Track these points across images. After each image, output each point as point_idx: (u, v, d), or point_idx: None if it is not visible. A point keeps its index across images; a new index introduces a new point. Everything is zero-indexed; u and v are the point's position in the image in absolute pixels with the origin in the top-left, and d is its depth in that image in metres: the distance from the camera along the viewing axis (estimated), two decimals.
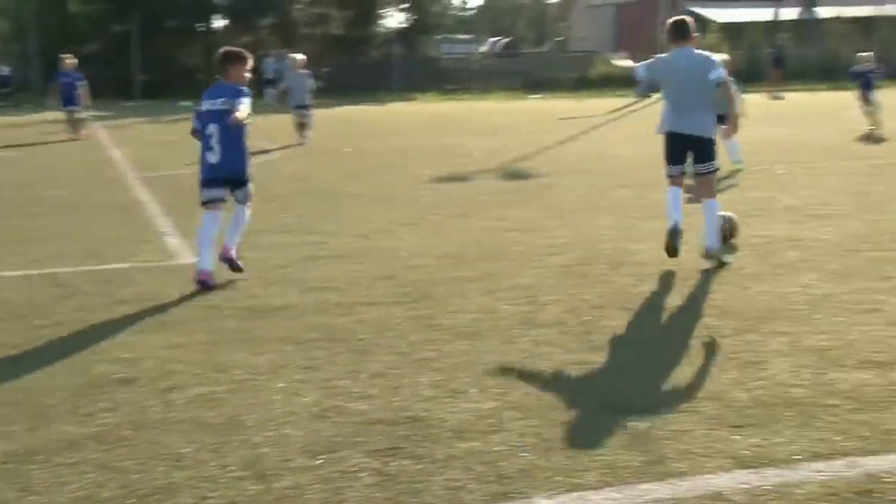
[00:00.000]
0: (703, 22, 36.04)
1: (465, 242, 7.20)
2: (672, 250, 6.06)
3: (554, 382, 4.08)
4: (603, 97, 31.51)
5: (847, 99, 25.88)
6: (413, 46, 36.62)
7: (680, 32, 6.27)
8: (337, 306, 5.42)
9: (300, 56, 17.30)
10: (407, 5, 37.48)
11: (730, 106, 6.35)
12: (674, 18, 6.43)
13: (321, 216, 8.57)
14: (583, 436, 3.48)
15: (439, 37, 40.94)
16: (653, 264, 6.28)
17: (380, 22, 38.84)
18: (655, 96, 29.75)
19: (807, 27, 35.45)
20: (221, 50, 6.29)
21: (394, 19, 37.28)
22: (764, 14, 37.69)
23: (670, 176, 6.31)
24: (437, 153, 13.99)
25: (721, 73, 6.10)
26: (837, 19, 35.54)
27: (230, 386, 4.09)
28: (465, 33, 49.25)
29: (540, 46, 56.55)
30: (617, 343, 4.65)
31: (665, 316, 5.11)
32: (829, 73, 34.11)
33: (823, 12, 37.03)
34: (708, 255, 6.19)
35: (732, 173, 10.55)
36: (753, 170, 11.13)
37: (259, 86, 30.28)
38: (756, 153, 12.84)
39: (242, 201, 6.15)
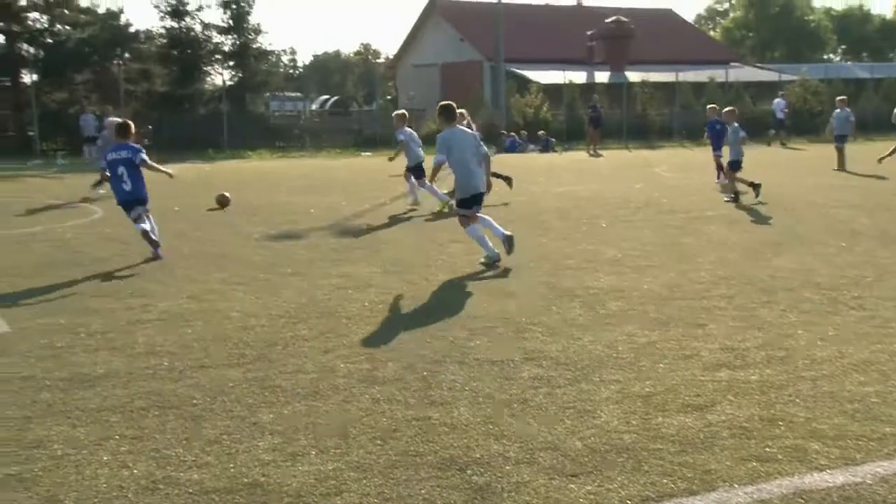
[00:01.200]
0: (524, 82, 37.95)
1: (301, 301, 7.11)
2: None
3: (394, 440, 4.07)
4: (433, 153, 32.29)
5: (658, 156, 28.08)
6: (242, 104, 36.13)
7: (452, 115, 8.98)
8: (168, 371, 5.19)
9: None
10: (233, 62, 37.03)
11: (487, 168, 9.13)
12: (444, 104, 9.08)
13: (147, 277, 8.21)
14: (425, 493, 3.49)
15: (268, 94, 40.60)
16: (485, 317, 6.45)
17: (206, 79, 38.10)
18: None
19: (617, 90, 38.10)
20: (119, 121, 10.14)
21: (221, 77, 36.62)
22: (579, 76, 40.15)
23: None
24: (271, 211, 13.79)
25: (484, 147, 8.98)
26: (644, 83, 38.50)
27: (47, 463, 3.80)
28: (294, 91, 49.10)
29: (370, 105, 57.38)
30: (455, 398, 4.71)
31: (501, 369, 5.24)
32: (639, 132, 36.86)
33: (632, 76, 40.01)
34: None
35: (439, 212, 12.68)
36: (582, 223, 11.73)
37: (80, 144, 28.87)
38: (581, 207, 13.55)
39: (144, 213, 9.47)
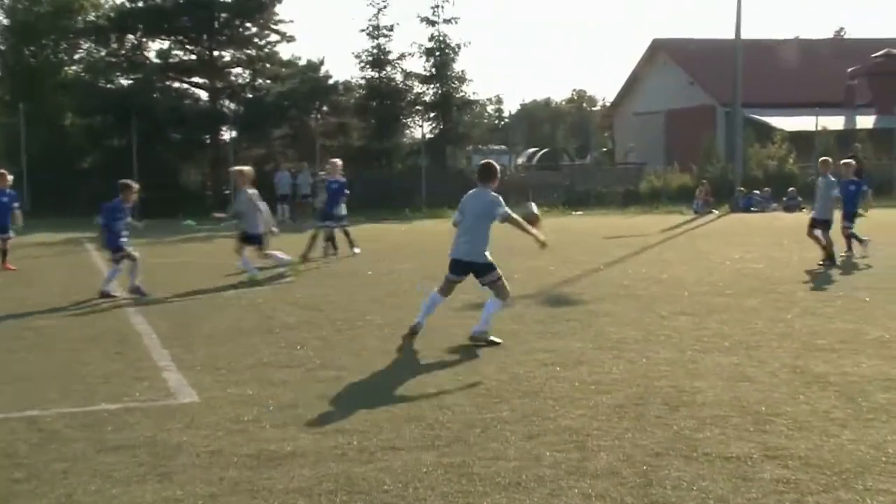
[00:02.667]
0: (765, 129, 36.68)
1: (502, 378, 7.17)
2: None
3: None
4: (654, 214, 31.89)
5: None
6: (442, 158, 37.50)
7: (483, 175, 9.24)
8: (357, 452, 5.38)
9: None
10: (434, 114, 38.55)
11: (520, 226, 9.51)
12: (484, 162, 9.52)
13: (337, 348, 8.61)
14: None
15: (470, 147, 41.87)
16: (718, 405, 6.22)
17: (405, 132, 39.94)
18: (716, 212, 30.00)
19: (886, 136, 35.86)
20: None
21: (420, 130, 38.28)
22: (835, 122, 38.24)
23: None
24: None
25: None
26: None
27: None
28: (498, 143, 50.43)
29: (582, 158, 57.66)
30: (681, 498, 4.54)
31: (736, 467, 4.99)
32: None
33: None
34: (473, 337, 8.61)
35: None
36: (837, 296, 11.09)
37: (273, 202, 31.12)
38: (836, 277, 12.81)
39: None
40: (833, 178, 14.26)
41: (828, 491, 4.60)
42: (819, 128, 35.63)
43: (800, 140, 35.70)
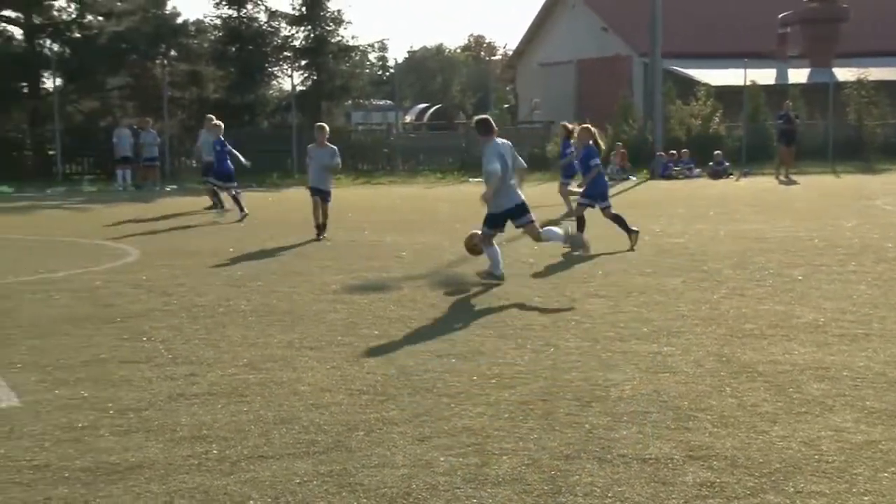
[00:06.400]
0: (689, 84, 37.64)
1: (389, 372, 7.21)
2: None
3: None
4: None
5: (878, 183, 27.32)
6: (316, 115, 37.22)
7: (491, 128, 11.31)
8: (217, 461, 5.34)
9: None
10: (305, 62, 38.14)
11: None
12: (482, 118, 11.73)
13: (193, 339, 8.50)
14: None
15: (349, 102, 41.69)
16: (635, 400, 6.39)
17: (272, 83, 39.45)
18: (634, 178, 30.69)
19: (820, 93, 37.18)
20: None
21: (290, 81, 37.82)
22: (766, 76, 39.49)
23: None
24: (351, 254, 14.09)
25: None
26: (860, 84, 37.24)
27: None
28: (382, 98, 50.35)
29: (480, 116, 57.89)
30: None
31: (655, 470, 5.16)
32: (852, 151, 35.68)
33: (842, 74, 38.82)
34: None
35: None
36: (768, 274, 11.50)
37: (111, 165, 30.31)
38: (767, 253, 13.29)
39: None
40: None
41: (755, 494, 4.79)
42: (748, 82, 36.77)
43: (727, 96, 36.77)
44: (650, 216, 18.74)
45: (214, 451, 5.51)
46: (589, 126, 15.17)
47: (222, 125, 20.94)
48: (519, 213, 11.46)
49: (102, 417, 6.18)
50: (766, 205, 21.36)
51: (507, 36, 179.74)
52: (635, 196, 25.67)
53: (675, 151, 33.21)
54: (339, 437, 5.74)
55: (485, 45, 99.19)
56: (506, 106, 53.56)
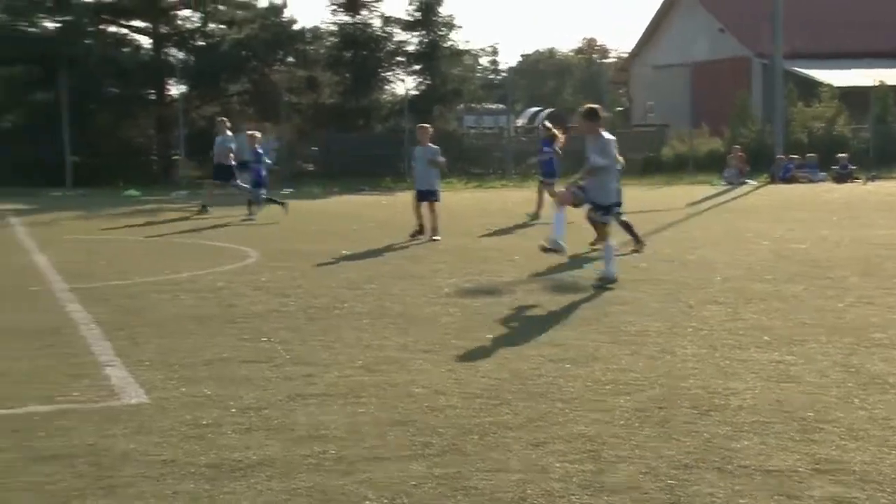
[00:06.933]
0: (811, 85, 36.71)
1: (503, 376, 7.21)
2: None
3: None
4: (679, 185, 31.98)
5: None
6: (427, 119, 37.48)
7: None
8: (335, 461, 5.41)
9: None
10: (419, 67, 38.43)
11: None
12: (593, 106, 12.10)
13: (310, 341, 8.64)
14: None
15: (461, 106, 41.79)
16: (756, 409, 6.27)
17: (385, 88, 39.82)
18: (752, 183, 30.07)
19: None
20: None
21: (402, 85, 38.22)
22: (892, 76, 38.29)
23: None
24: (464, 257, 14.13)
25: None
26: None
27: None
28: (494, 101, 50.35)
29: None
30: None
31: (780, 483, 5.04)
32: None
33: None
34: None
35: None
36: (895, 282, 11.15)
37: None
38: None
39: None
40: None
41: None
42: (875, 82, 35.58)
43: (853, 97, 35.69)
44: (770, 221, 18.37)
45: (332, 451, 5.58)
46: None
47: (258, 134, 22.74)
48: (612, 209, 12.01)
49: (225, 415, 6.32)
50: None
51: (621, 38, 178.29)
52: (755, 200, 25.19)
53: (796, 155, 32.42)
54: (454, 440, 5.76)
55: (597, 48, 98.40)
56: (619, 109, 53.02)
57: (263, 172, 21.69)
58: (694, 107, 40.24)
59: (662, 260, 13.24)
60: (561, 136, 19.37)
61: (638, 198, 25.84)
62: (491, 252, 14.80)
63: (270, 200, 21.84)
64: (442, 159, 17.03)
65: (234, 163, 22.12)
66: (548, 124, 20.62)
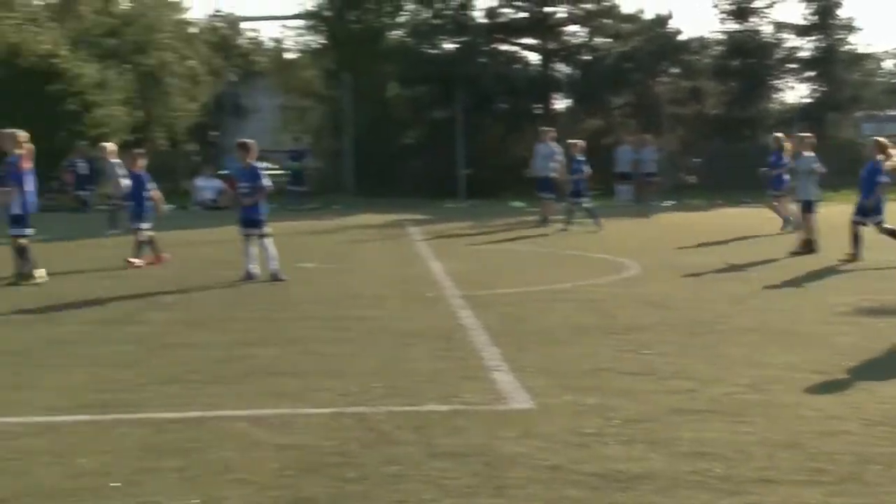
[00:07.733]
0: None
1: None
2: None
3: None
4: None
5: None
6: (820, 127, 35.73)
7: None
8: (720, 480, 5.30)
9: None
10: (812, 73, 36.78)
11: None
12: None
13: (692, 355, 8.52)
14: None
15: (860, 113, 39.40)
16: None
17: (773, 97, 38.47)
18: None
19: None
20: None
21: (793, 93, 36.77)
22: None
23: None
24: (863, 274, 13.37)
25: None
26: None
27: None
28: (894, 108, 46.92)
29: None
30: None
31: None
32: None
33: None
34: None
35: None
36: None
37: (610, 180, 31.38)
38: None
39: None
40: None
41: None
42: None
43: None
44: None
45: (717, 470, 5.45)
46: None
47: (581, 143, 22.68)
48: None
49: (607, 426, 6.36)
50: None
51: None
52: None
53: None
54: (853, 468, 5.43)
55: None
56: None
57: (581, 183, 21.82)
58: None
59: None
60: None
61: None
62: (889, 270, 13.87)
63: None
64: (819, 167, 16.76)
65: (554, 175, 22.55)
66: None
